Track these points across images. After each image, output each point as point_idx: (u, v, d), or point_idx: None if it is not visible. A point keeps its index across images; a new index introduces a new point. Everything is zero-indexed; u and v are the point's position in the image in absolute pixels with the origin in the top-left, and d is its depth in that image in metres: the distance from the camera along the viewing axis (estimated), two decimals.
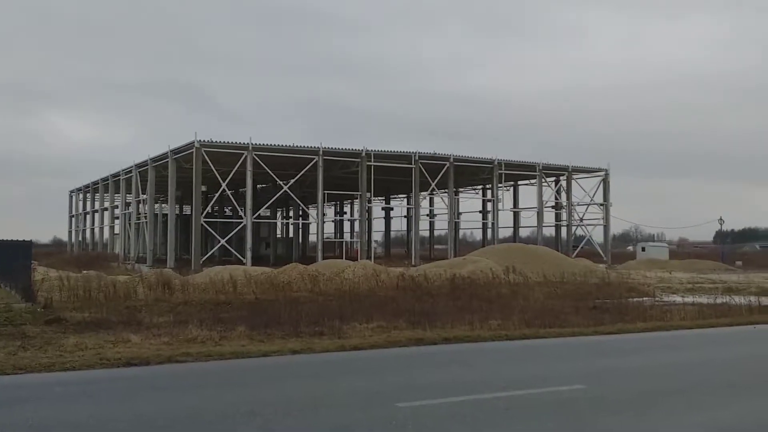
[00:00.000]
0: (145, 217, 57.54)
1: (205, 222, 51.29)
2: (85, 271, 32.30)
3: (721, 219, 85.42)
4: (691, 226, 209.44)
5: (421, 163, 57.75)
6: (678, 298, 25.62)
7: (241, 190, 57.32)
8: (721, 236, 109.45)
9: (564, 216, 71.62)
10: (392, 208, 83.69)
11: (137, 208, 62.24)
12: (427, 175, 58.46)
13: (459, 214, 72.83)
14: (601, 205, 70.40)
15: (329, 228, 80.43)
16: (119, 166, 65.99)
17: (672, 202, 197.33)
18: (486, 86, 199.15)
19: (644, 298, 25.25)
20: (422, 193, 65.08)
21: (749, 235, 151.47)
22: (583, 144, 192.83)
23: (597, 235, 72.10)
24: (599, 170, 69.85)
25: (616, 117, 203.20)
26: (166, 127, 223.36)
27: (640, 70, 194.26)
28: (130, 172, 61.48)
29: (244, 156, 49.76)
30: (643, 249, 77.90)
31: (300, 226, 77.47)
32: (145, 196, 57.94)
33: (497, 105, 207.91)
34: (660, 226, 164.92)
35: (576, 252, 64.86)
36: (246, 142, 49.95)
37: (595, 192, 70.46)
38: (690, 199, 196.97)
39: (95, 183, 76.17)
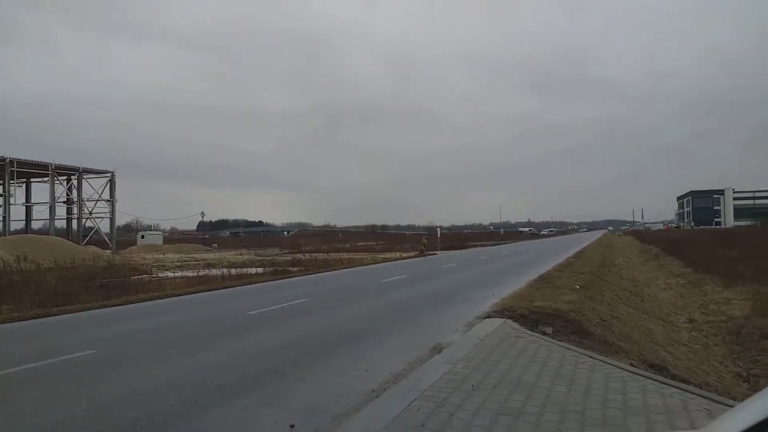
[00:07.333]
0: None
1: None
2: None
3: (203, 213, 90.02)
4: (180, 218, 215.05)
5: None
6: (170, 273, 26.09)
7: None
8: (203, 225, 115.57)
9: (75, 210, 65.44)
10: None
11: None
12: None
13: None
14: (108, 201, 66.54)
15: None
16: None
17: (166, 199, 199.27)
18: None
19: (144, 276, 24.94)
20: None
21: (222, 225, 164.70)
22: (97, 148, 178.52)
23: (105, 226, 68.01)
24: (107, 172, 65.90)
25: (125, 127, 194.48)
26: None
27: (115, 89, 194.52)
28: None
29: None
30: (143, 237, 76.11)
31: None
32: None
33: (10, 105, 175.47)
34: (156, 218, 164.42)
35: (86, 240, 59.90)
36: None
37: (103, 190, 66.27)
38: (179, 198, 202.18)
39: None
